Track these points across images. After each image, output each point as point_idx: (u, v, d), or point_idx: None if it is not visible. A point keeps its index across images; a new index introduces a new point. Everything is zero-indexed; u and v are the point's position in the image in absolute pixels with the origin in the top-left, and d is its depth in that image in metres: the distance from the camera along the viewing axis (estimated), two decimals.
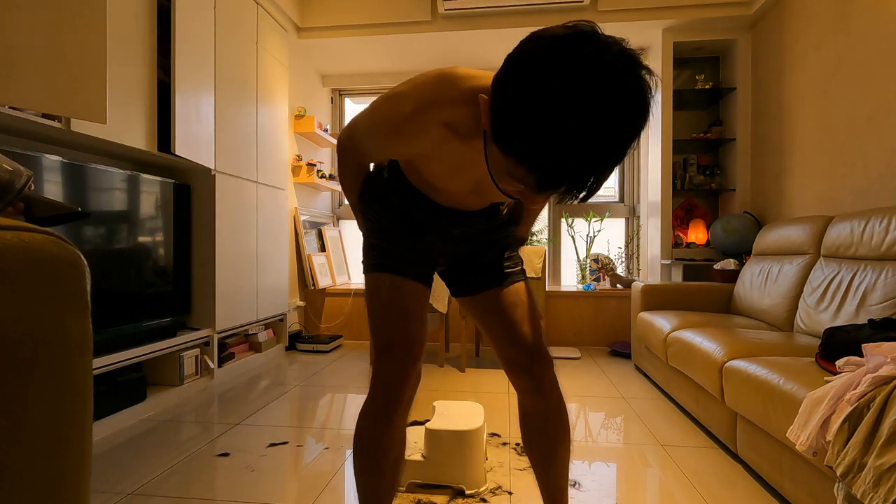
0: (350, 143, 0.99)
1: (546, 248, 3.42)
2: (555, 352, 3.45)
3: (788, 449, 1.37)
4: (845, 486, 1.04)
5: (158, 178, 2.31)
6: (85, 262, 0.40)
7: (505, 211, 1.09)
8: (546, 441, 1.05)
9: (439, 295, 2.99)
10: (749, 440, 1.59)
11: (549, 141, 0.58)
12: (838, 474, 1.03)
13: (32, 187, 0.82)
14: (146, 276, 2.23)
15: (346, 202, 4.39)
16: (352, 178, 1.05)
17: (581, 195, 0.64)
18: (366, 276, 1.03)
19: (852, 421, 1.06)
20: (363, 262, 1.05)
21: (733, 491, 1.50)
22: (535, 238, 4.02)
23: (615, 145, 0.59)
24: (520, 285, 1.07)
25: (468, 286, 1.08)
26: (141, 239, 2.20)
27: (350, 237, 4.38)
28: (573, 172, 0.60)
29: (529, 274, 3.04)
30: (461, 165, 0.88)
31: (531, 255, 3.09)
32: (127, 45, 1.99)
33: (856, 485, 0.97)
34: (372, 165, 1.08)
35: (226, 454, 1.75)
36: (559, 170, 0.60)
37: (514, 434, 1.95)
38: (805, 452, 1.17)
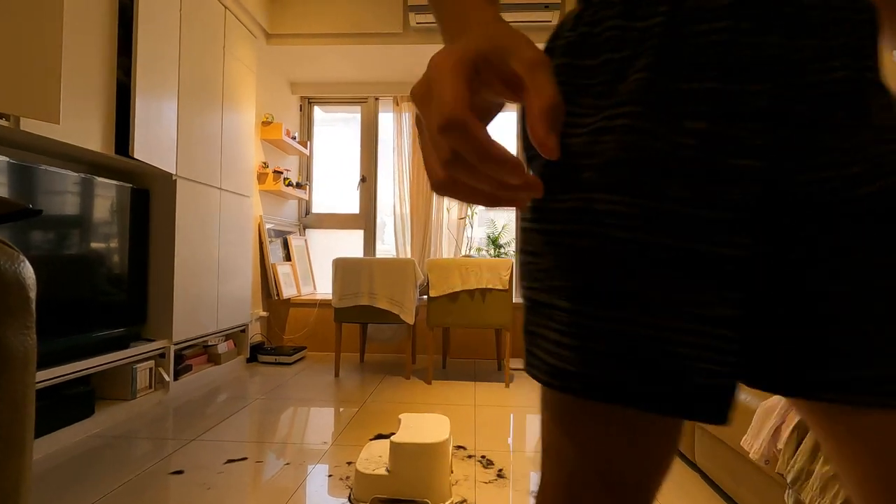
0: None
1: (514, 260, 3.28)
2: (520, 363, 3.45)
3: (743, 457, 1.42)
4: (794, 493, 1.09)
5: (115, 182, 2.22)
6: (31, 269, 0.38)
7: None
8: None
9: (405, 303, 2.96)
10: (706, 450, 1.64)
11: None
12: (788, 481, 1.07)
13: None
14: (99, 283, 2.12)
15: (314, 210, 4.32)
16: None
17: None
18: (548, 401, 0.45)
19: (801, 430, 1.11)
20: (527, 351, 0.45)
21: (691, 499, 1.54)
22: (502, 251, 4.05)
23: None
24: None
25: (797, 375, 0.37)
26: (94, 245, 2.10)
27: (316, 247, 4.31)
28: None
29: (496, 285, 2.86)
30: None
31: (498, 267, 2.89)
32: (85, 42, 1.91)
33: (804, 491, 1.02)
34: None
35: (180, 472, 1.67)
36: None
37: (480, 446, 1.95)
38: (758, 461, 1.22)
